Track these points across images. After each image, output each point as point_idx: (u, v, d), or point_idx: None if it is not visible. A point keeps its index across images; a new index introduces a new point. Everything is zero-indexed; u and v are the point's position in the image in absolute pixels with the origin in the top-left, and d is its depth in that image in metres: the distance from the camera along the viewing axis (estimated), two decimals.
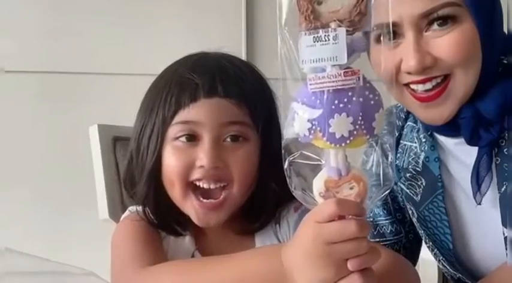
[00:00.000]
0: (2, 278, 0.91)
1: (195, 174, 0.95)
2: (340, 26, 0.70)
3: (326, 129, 0.71)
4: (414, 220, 1.13)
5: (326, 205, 0.72)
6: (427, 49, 0.93)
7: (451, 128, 1.00)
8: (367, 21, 0.71)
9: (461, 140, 1.02)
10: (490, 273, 1.03)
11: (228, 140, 0.95)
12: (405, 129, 1.14)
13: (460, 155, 1.04)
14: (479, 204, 0.99)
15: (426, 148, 1.08)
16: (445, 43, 0.93)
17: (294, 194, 0.75)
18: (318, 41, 0.71)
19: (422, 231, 1.12)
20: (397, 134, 1.14)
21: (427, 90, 0.95)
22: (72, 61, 2.43)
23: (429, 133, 1.08)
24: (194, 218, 0.96)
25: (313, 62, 0.71)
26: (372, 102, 0.71)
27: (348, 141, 0.71)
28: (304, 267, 0.72)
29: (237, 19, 2.59)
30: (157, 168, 0.97)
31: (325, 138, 0.71)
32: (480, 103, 0.97)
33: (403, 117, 1.14)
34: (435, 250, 1.11)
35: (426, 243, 1.14)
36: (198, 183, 0.95)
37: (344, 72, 0.70)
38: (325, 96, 0.71)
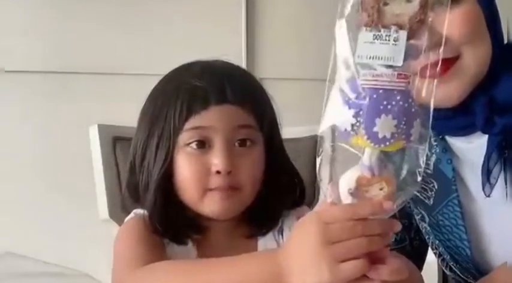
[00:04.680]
0: (3, 280, 0.92)
1: (213, 182, 0.96)
2: (400, 29, 0.71)
3: (370, 128, 0.71)
4: (424, 225, 1.10)
5: (339, 210, 0.72)
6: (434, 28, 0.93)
7: (463, 120, 0.98)
8: (423, 31, 0.73)
9: (474, 144, 1.01)
10: (490, 272, 1.02)
11: (237, 144, 0.98)
12: None
13: (472, 160, 1.02)
14: (488, 196, 0.97)
15: (438, 150, 1.06)
16: (451, 19, 0.93)
17: (320, 185, 0.76)
18: (378, 39, 0.72)
19: (433, 237, 1.09)
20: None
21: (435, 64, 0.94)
22: (73, 61, 2.43)
23: (440, 137, 1.06)
24: (213, 211, 0.98)
25: (369, 58, 0.72)
26: (413, 109, 0.72)
27: (387, 143, 0.71)
28: (302, 265, 0.72)
29: (237, 19, 2.59)
30: (167, 175, 0.98)
31: (366, 137, 0.71)
32: (496, 89, 0.96)
33: None
34: (446, 255, 1.09)
35: (433, 248, 1.11)
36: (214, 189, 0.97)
37: (398, 74, 0.71)
38: (375, 95, 0.71)
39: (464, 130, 1.01)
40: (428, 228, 1.09)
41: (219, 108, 0.96)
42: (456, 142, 1.04)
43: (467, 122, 0.98)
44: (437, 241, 1.09)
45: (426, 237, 1.12)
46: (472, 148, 1.02)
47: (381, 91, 0.71)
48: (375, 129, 0.71)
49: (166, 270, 0.88)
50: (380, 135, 0.71)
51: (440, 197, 1.06)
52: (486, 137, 0.98)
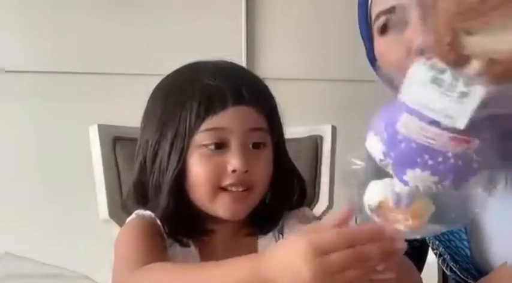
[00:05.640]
0: (2, 281, 0.92)
1: (228, 180, 0.96)
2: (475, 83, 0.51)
3: (400, 174, 0.58)
4: None
5: (337, 238, 0.65)
6: None
7: None
8: None
9: None
10: (490, 272, 1.02)
11: (250, 146, 0.98)
12: None
13: None
14: (489, 195, 0.97)
15: None
16: None
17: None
18: (436, 84, 0.52)
19: (433, 237, 1.09)
20: None
21: None
22: (72, 61, 2.43)
23: None
24: (225, 211, 0.98)
25: (418, 105, 0.53)
26: (474, 165, 0.56)
27: (419, 193, 0.60)
28: None
29: (237, 19, 2.59)
30: (180, 175, 0.98)
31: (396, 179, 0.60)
32: None
33: None
34: (446, 255, 1.09)
35: (434, 249, 1.11)
36: (228, 188, 0.97)
37: (453, 137, 0.54)
38: (413, 144, 0.55)
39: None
40: None
41: (235, 109, 0.96)
42: None
43: None
44: (437, 242, 1.09)
45: (426, 238, 1.12)
46: None
47: (425, 143, 0.55)
48: (405, 178, 0.58)
49: (159, 272, 0.87)
50: (410, 184, 0.58)
51: None
52: None
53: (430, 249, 1.15)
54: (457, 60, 0.50)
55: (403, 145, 0.55)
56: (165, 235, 0.99)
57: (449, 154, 0.54)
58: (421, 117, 0.54)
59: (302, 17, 2.60)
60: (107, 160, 1.35)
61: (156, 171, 0.99)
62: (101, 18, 2.46)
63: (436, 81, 0.51)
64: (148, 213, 1.01)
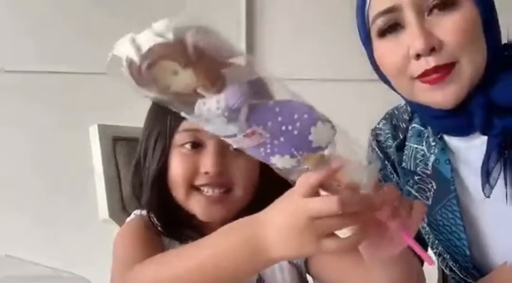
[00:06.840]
0: (2, 282, 0.93)
1: (200, 180, 0.99)
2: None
3: (275, 166, 0.72)
4: (423, 225, 1.10)
5: (329, 204, 0.69)
6: (431, 31, 0.93)
7: (462, 120, 0.98)
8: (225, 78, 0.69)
9: (472, 143, 1.01)
10: (490, 272, 1.02)
11: (231, 148, 0.97)
12: (410, 131, 1.12)
13: (470, 159, 1.02)
14: (488, 196, 0.97)
15: (436, 151, 1.06)
16: (448, 25, 0.92)
17: None
18: (199, 119, 0.68)
19: (432, 237, 1.09)
20: (401, 136, 1.13)
21: (435, 69, 0.93)
22: (72, 61, 2.43)
23: (439, 136, 1.06)
24: (199, 213, 0.99)
25: (219, 133, 0.70)
26: (296, 131, 0.69)
27: (299, 167, 0.71)
28: (282, 239, 0.71)
29: (237, 18, 2.59)
30: (163, 171, 1.01)
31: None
32: (493, 90, 0.95)
33: (407, 118, 1.13)
34: (445, 255, 1.09)
35: (433, 248, 1.11)
36: (202, 188, 0.99)
37: (244, 135, 0.68)
38: (251, 149, 0.71)
39: (463, 130, 1.01)
40: (427, 228, 1.10)
41: None
42: (455, 142, 1.04)
43: (466, 122, 0.98)
44: (436, 241, 1.09)
45: (426, 237, 1.12)
46: (470, 148, 1.02)
47: (252, 145, 0.70)
48: (280, 166, 0.71)
49: (154, 263, 0.87)
50: (288, 167, 0.71)
51: (439, 197, 1.06)
52: (485, 136, 0.98)
53: (429, 248, 1.15)
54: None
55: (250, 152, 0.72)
56: (161, 234, 1.01)
57: (268, 140, 0.69)
58: (227, 137, 0.70)
59: (302, 16, 2.60)
60: (107, 161, 1.35)
61: (146, 168, 1.03)
62: (101, 18, 2.46)
63: (198, 119, 0.69)
64: (145, 212, 1.02)
